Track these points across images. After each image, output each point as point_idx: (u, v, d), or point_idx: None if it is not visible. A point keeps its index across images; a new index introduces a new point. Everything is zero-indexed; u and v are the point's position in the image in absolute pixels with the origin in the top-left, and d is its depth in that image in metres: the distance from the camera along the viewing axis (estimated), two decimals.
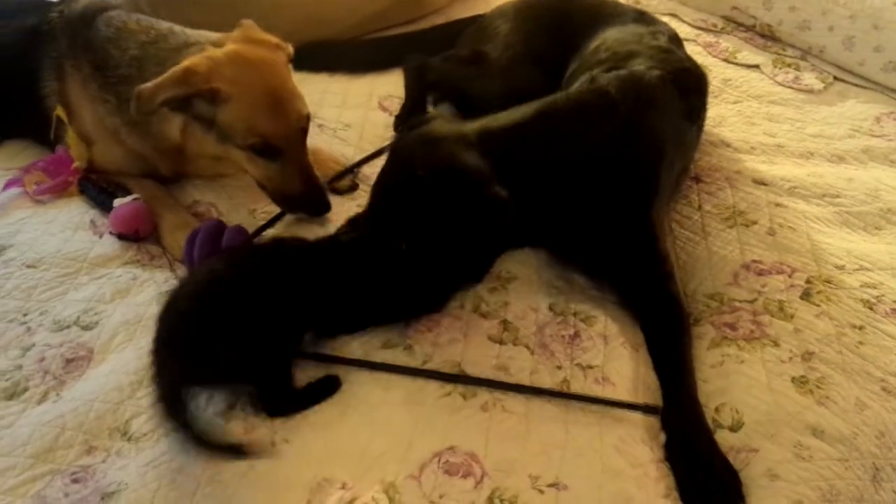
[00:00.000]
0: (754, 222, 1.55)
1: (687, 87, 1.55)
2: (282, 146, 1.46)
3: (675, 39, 1.72)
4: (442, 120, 1.45)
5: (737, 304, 1.40)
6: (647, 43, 1.61)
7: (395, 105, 1.91)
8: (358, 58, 2.06)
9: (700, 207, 1.59)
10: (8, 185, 1.66)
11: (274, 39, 1.53)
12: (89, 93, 1.61)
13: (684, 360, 1.33)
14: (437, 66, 1.88)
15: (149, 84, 1.39)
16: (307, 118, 1.50)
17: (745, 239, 1.52)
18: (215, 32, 1.57)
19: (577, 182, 1.39)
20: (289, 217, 1.58)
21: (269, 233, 1.55)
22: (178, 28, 1.58)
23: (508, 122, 1.39)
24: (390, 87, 1.97)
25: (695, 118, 1.60)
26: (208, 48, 1.48)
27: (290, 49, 1.55)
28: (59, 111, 1.66)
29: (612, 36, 1.65)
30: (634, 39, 1.63)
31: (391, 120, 1.87)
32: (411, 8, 2.19)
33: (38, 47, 1.68)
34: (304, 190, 1.50)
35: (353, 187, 1.69)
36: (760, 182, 1.64)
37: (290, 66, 1.55)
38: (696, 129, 1.64)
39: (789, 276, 1.44)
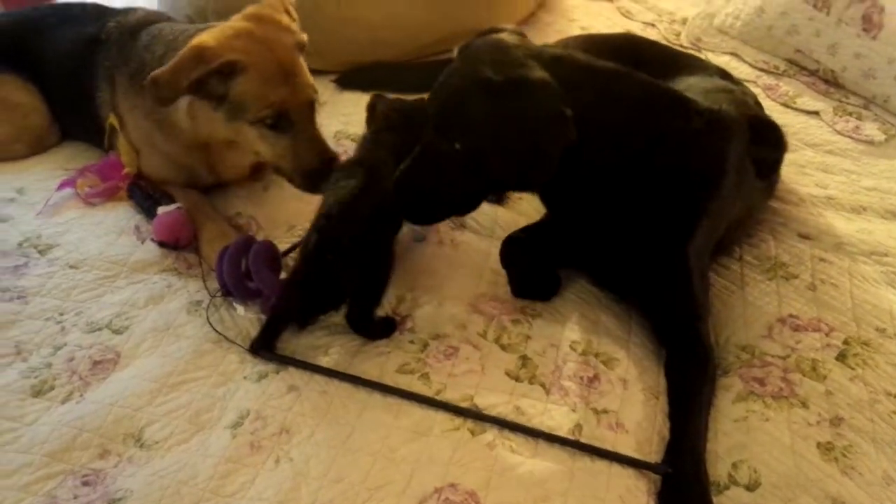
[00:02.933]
0: (795, 276, 1.50)
1: (764, 139, 1.51)
2: (294, 118, 1.47)
3: (759, 104, 1.70)
4: (513, 34, 1.40)
5: (768, 358, 1.35)
6: (733, 94, 1.57)
7: None
8: (408, 79, 2.07)
9: (741, 258, 1.54)
10: (62, 185, 1.73)
11: (286, 22, 1.53)
12: (130, 101, 1.67)
13: (698, 408, 1.29)
14: None
15: (164, 68, 1.40)
16: (315, 91, 1.52)
17: (785, 292, 1.47)
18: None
19: (623, 172, 1.33)
20: None
21: None
22: (203, 27, 1.60)
23: (585, 63, 1.35)
24: None
25: (764, 173, 1.54)
26: (216, 26, 1.50)
27: (304, 37, 1.56)
28: (112, 119, 1.73)
29: (696, 83, 1.59)
30: (720, 88, 1.59)
31: None
32: (468, 35, 2.19)
33: (94, 56, 1.75)
34: (321, 162, 1.49)
35: None
36: (806, 236, 1.59)
37: (302, 50, 1.55)
38: (765, 186, 1.59)
39: (826, 335, 1.38)
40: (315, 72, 2.08)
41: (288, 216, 1.66)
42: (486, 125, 1.24)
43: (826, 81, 2.00)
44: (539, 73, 1.26)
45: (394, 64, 2.14)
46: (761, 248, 1.56)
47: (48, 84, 1.87)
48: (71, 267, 1.54)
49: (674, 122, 1.34)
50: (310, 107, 1.50)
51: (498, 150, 1.25)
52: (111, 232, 1.63)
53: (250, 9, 1.53)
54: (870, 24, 1.88)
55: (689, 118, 1.34)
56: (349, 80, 2.09)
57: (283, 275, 1.45)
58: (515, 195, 1.72)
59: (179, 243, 1.58)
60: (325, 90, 1.97)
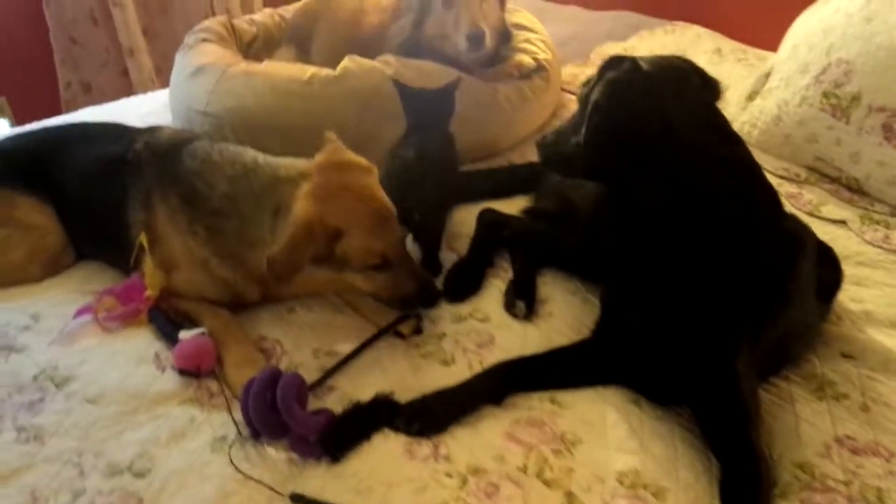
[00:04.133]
0: (845, 396, 1.44)
1: (829, 262, 1.52)
2: (392, 260, 1.52)
3: None
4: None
5: (830, 482, 1.28)
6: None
7: (463, 246, 1.88)
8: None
9: (787, 377, 1.49)
10: (80, 312, 1.68)
11: (360, 160, 1.58)
12: (177, 224, 1.64)
13: None
14: (514, 224, 1.84)
15: (276, 250, 1.44)
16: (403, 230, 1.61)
17: (837, 412, 1.41)
18: (299, 160, 1.61)
19: (699, 255, 1.34)
20: None
21: None
22: (261, 158, 1.63)
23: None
24: (459, 226, 1.95)
25: (823, 295, 1.52)
26: (302, 185, 1.51)
27: (375, 169, 1.60)
28: (143, 239, 1.69)
29: None
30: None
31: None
32: (487, 147, 2.21)
33: (123, 177, 1.74)
34: (418, 287, 1.57)
35: (418, 331, 1.65)
36: (849, 355, 1.54)
37: None
38: (822, 309, 1.56)
39: (887, 461, 1.32)
40: None
41: (314, 340, 1.61)
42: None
43: (850, 189, 1.99)
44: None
45: None
46: (806, 368, 1.51)
47: (66, 204, 1.84)
48: (89, 402, 1.47)
49: (764, 219, 1.34)
50: (403, 240, 1.59)
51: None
52: (130, 360, 1.57)
53: (325, 159, 1.56)
54: (890, 133, 1.89)
55: (779, 218, 1.34)
56: None
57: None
58: (546, 309, 1.68)
59: (200, 371, 1.52)
60: None
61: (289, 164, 1.61)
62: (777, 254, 1.34)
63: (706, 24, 2.83)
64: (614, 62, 1.40)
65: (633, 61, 1.36)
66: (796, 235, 1.39)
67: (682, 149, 1.31)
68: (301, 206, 1.47)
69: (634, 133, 1.33)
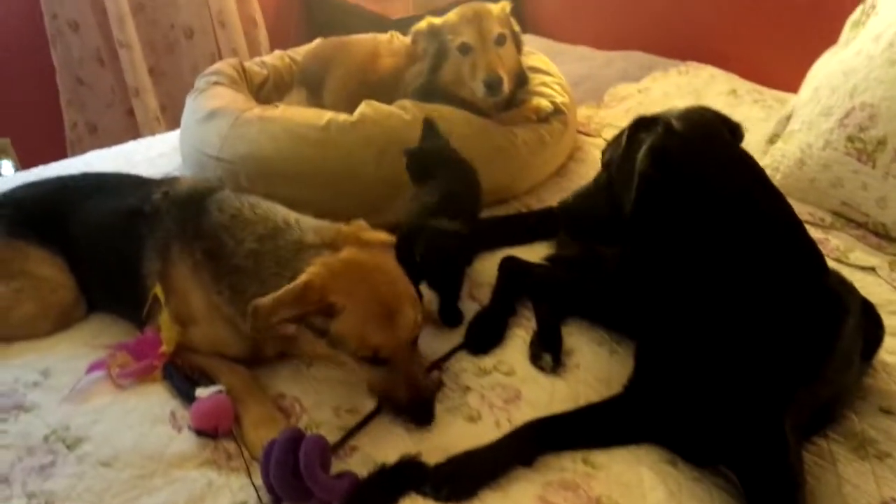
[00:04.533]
0: (888, 455, 1.39)
1: (870, 318, 1.49)
2: (391, 357, 1.43)
3: None
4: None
5: None
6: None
7: (486, 296, 1.83)
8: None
9: (826, 435, 1.44)
10: (92, 368, 1.62)
11: (385, 237, 1.53)
12: (201, 279, 1.60)
13: None
14: (537, 272, 1.80)
15: (266, 300, 1.38)
16: (419, 326, 1.48)
17: (881, 473, 1.35)
18: (329, 224, 1.57)
19: (740, 313, 1.30)
20: None
21: None
22: (293, 219, 1.58)
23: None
24: (480, 275, 1.91)
25: (866, 352, 1.49)
26: (324, 253, 1.47)
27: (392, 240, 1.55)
28: (158, 291, 1.64)
29: None
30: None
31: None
32: (503, 191, 2.18)
33: (139, 228, 1.70)
34: (410, 399, 1.46)
35: (440, 385, 1.60)
36: (888, 410, 1.48)
37: None
38: (864, 366, 1.52)
39: None
40: None
41: (334, 397, 1.56)
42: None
43: (877, 234, 1.94)
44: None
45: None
46: (845, 425, 1.45)
47: (79, 256, 1.80)
48: (103, 465, 1.41)
49: (810, 278, 1.31)
50: (410, 344, 1.48)
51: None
52: (145, 421, 1.51)
53: (350, 232, 1.52)
54: None
55: (823, 274, 1.31)
56: None
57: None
58: (573, 360, 1.63)
59: (218, 431, 1.46)
60: None
61: (317, 228, 1.55)
62: (824, 314, 1.30)
63: (718, 64, 2.82)
64: (644, 124, 1.37)
65: (665, 125, 1.33)
66: (842, 294, 1.35)
67: (729, 211, 1.29)
68: (311, 270, 1.42)
69: (683, 201, 1.31)
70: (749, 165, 1.36)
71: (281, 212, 1.61)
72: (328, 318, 1.40)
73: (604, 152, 1.54)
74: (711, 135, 1.37)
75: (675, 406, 1.40)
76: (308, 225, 1.57)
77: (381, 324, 1.41)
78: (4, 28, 3.59)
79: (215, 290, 1.58)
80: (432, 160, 1.85)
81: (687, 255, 1.34)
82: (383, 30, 2.97)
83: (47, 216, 1.82)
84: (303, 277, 1.40)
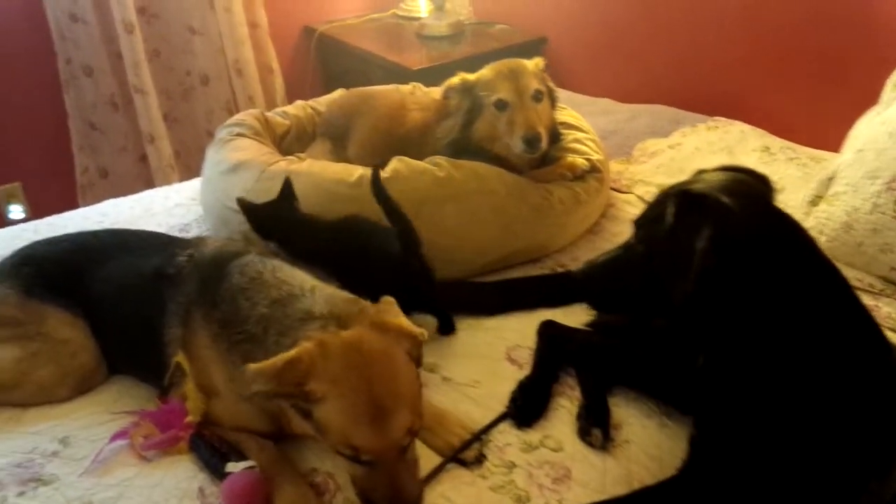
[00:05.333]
0: None
1: None
2: (374, 460, 1.26)
3: None
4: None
5: None
6: None
7: (525, 357, 1.75)
8: (481, 301, 1.95)
9: None
10: (115, 437, 1.54)
11: (403, 325, 1.35)
12: (219, 350, 1.51)
13: None
14: (580, 338, 1.73)
15: (254, 366, 1.26)
16: (414, 432, 1.29)
17: None
18: (349, 298, 1.44)
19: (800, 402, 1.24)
20: None
21: None
22: (309, 286, 1.46)
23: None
24: (517, 336, 1.83)
25: None
26: (329, 327, 1.34)
27: (423, 337, 1.37)
28: (181, 359, 1.56)
29: None
30: None
31: (520, 374, 1.71)
32: (537, 250, 2.12)
33: (163, 291, 1.62)
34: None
35: (481, 458, 1.51)
36: None
37: (418, 357, 1.38)
38: None
39: None
40: None
41: None
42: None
43: None
44: None
45: (464, 284, 2.03)
46: None
47: (101, 317, 1.72)
48: None
49: (874, 353, 1.26)
50: (399, 450, 1.28)
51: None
52: (171, 496, 1.42)
53: (379, 309, 1.38)
54: None
55: (889, 353, 1.26)
56: None
57: None
58: (622, 435, 1.55)
59: None
60: None
61: (332, 299, 1.41)
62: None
63: (744, 120, 2.78)
64: (692, 202, 1.32)
65: (720, 207, 1.28)
66: None
67: (789, 289, 1.26)
68: (303, 346, 1.27)
69: (742, 283, 1.27)
70: (802, 237, 1.33)
71: (301, 278, 1.50)
72: (309, 404, 1.26)
73: (639, 223, 1.49)
74: (766, 211, 1.34)
75: (736, 494, 1.31)
76: (323, 295, 1.43)
77: (368, 423, 1.23)
78: (17, 72, 3.57)
79: (230, 359, 1.49)
80: (269, 218, 1.88)
81: (747, 335, 1.29)
82: (403, 80, 2.95)
83: (68, 275, 1.75)
84: (291, 352, 1.26)
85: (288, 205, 1.91)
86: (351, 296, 1.46)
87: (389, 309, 1.39)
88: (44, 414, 1.65)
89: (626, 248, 1.52)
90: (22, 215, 3.74)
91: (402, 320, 1.36)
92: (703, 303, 1.30)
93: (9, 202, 3.74)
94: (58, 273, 1.76)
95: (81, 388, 1.70)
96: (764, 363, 1.27)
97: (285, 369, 1.24)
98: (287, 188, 1.91)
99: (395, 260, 1.72)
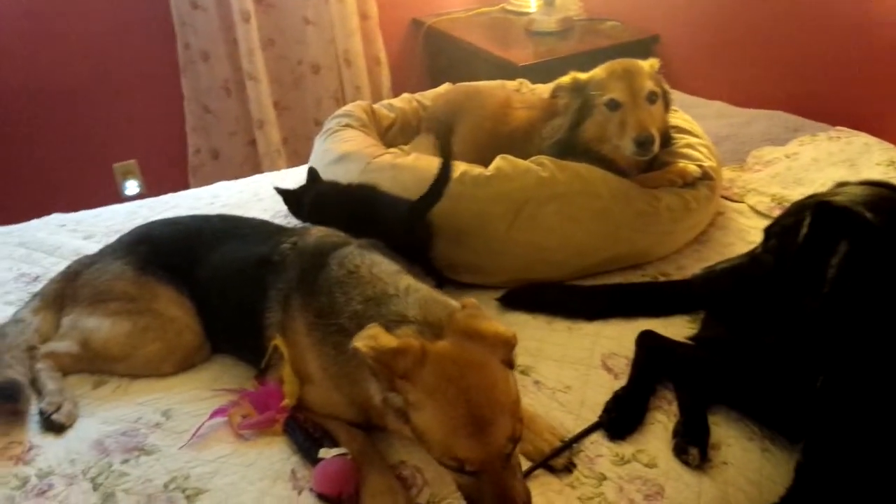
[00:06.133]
0: None
1: None
2: (479, 470, 1.23)
3: None
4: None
5: None
6: None
7: (621, 366, 1.71)
8: (579, 304, 1.91)
9: None
10: (215, 414, 1.60)
11: (496, 331, 1.30)
12: (313, 338, 1.54)
13: None
14: (682, 352, 1.67)
15: (363, 337, 1.25)
16: (514, 440, 1.24)
17: None
18: (441, 300, 1.44)
19: None
20: None
21: None
22: (403, 286, 1.46)
23: None
24: (614, 343, 1.79)
25: None
26: (426, 333, 1.32)
27: (515, 340, 1.32)
28: (279, 342, 1.60)
29: None
30: None
31: (615, 383, 1.67)
32: (639, 256, 2.06)
33: (265, 277, 1.66)
34: None
35: (570, 467, 1.48)
36: None
37: (511, 360, 1.33)
38: None
39: None
40: (476, 286, 2.00)
41: None
42: None
43: None
44: None
45: (562, 287, 1.99)
46: None
47: (206, 299, 1.79)
48: None
49: None
50: (503, 458, 1.24)
51: None
52: (266, 477, 1.46)
53: (466, 316, 1.33)
54: None
55: None
56: (516, 299, 1.95)
57: None
58: (720, 456, 1.49)
59: (342, 497, 1.39)
60: (487, 308, 1.83)
61: (425, 303, 1.41)
62: None
63: (871, 132, 2.62)
64: (830, 216, 1.25)
65: (856, 217, 1.20)
66: None
67: None
68: (408, 341, 1.26)
69: (885, 306, 1.19)
70: None
71: (395, 276, 1.50)
72: (406, 407, 1.24)
73: (770, 232, 1.42)
74: None
75: None
76: (417, 297, 1.42)
77: (468, 435, 1.20)
78: (140, 55, 3.74)
79: (323, 349, 1.52)
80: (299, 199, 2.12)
81: (876, 360, 1.21)
82: (509, 75, 2.93)
83: (180, 257, 1.82)
84: (399, 341, 1.25)
85: (313, 186, 2.12)
86: (441, 297, 1.46)
87: (477, 313, 1.35)
88: (149, 387, 1.73)
89: (753, 257, 1.45)
90: (137, 191, 3.93)
91: (495, 325, 1.32)
92: (832, 321, 1.22)
93: (125, 178, 3.93)
94: (171, 253, 1.83)
95: (185, 364, 1.77)
96: (892, 389, 1.19)
97: (389, 354, 1.23)
98: (313, 174, 2.15)
99: (399, 222, 1.86)
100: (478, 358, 1.26)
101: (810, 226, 1.25)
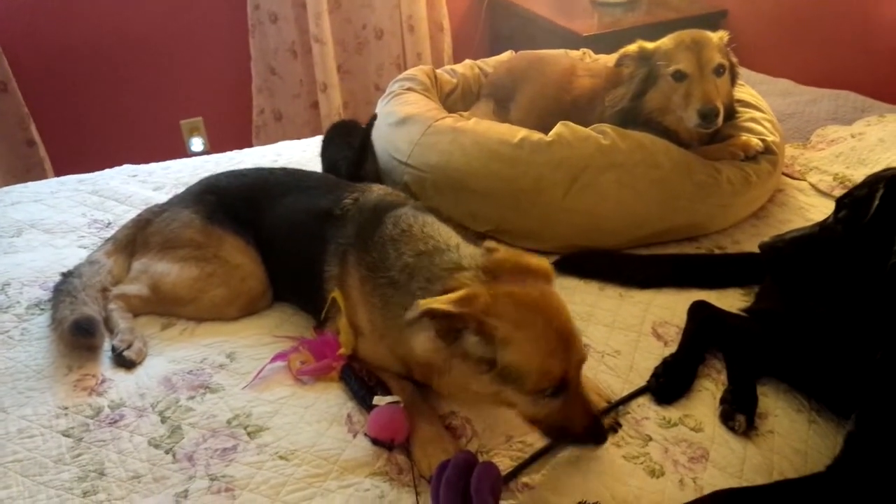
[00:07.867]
0: None
1: None
2: (566, 387, 1.34)
3: None
4: None
5: None
6: None
7: (672, 335, 1.73)
8: (630, 273, 1.93)
9: None
10: (276, 358, 1.67)
11: (538, 262, 1.43)
12: (364, 291, 1.59)
13: None
14: (734, 323, 1.68)
15: (431, 304, 1.31)
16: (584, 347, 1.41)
17: None
18: (488, 249, 1.49)
19: None
20: None
21: None
22: (454, 242, 1.51)
23: None
24: (666, 312, 1.81)
25: None
26: (481, 276, 1.39)
27: (553, 274, 1.46)
28: (337, 295, 1.66)
29: None
30: None
31: (664, 351, 1.69)
32: (696, 228, 2.06)
33: (326, 230, 1.72)
34: (587, 424, 1.36)
35: (615, 427, 1.51)
36: None
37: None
38: None
39: None
40: (530, 250, 2.02)
41: (506, 425, 1.50)
42: None
43: None
44: None
45: (616, 255, 2.01)
46: None
47: (270, 248, 1.85)
48: (281, 458, 1.43)
49: None
50: (581, 367, 1.39)
51: None
52: (323, 419, 1.53)
53: (507, 256, 1.44)
54: None
55: None
56: (569, 264, 1.97)
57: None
58: (766, 425, 1.50)
59: (394, 442, 1.45)
60: None
61: (474, 255, 1.47)
62: None
63: None
64: None
65: None
66: None
67: None
68: (472, 288, 1.34)
69: None
70: None
71: (447, 234, 1.56)
72: (492, 347, 1.31)
73: (841, 203, 1.41)
74: None
75: (888, 498, 1.25)
76: (468, 251, 1.49)
77: (562, 352, 1.33)
78: (210, 14, 3.81)
79: (371, 301, 1.57)
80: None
81: None
82: (573, 45, 2.93)
83: (246, 207, 1.89)
84: (462, 291, 1.33)
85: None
86: (482, 250, 1.50)
87: (511, 250, 1.50)
88: (214, 330, 1.81)
89: (823, 227, 1.45)
90: (202, 148, 4.04)
91: (532, 257, 1.45)
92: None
93: (191, 135, 4.04)
94: (237, 203, 1.90)
95: (248, 309, 1.85)
96: None
97: (464, 301, 1.31)
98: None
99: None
100: (539, 286, 1.39)
101: (882, 197, 1.24)
